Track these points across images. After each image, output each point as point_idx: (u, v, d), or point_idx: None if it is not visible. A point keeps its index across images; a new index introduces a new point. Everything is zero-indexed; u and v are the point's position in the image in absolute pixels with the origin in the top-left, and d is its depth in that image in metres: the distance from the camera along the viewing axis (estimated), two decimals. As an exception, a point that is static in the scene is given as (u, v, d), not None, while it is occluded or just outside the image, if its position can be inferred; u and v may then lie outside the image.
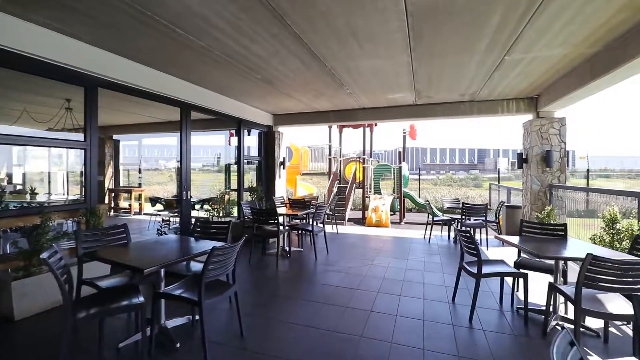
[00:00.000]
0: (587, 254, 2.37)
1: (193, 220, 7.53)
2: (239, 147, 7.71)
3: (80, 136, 4.24)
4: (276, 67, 5.02)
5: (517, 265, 3.56)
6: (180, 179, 5.87)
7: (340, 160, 12.40)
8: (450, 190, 21.39)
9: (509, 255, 5.75)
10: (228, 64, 4.82)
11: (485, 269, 3.22)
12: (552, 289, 2.87)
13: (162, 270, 2.67)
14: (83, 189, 4.25)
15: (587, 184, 11.88)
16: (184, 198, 5.79)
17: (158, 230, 5.12)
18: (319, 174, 12.14)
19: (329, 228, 8.36)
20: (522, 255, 3.78)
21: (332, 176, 11.20)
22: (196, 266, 3.32)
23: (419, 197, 14.35)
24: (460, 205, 6.76)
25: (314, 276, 4.63)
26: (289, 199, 7.42)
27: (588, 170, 12.06)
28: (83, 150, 4.18)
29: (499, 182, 14.07)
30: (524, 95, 6.92)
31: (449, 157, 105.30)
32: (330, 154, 11.37)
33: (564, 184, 6.66)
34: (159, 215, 8.16)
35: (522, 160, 7.19)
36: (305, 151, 12.53)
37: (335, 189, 11.12)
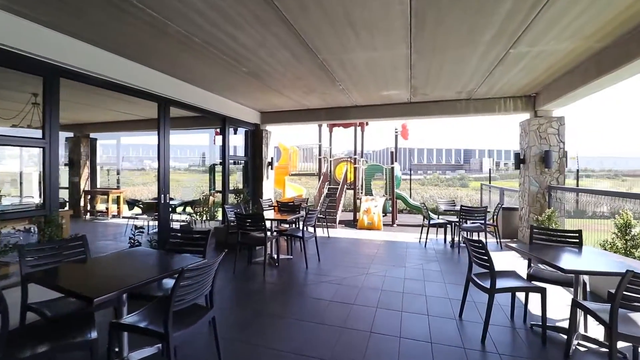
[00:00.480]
0: (627, 270, 2.04)
1: (175, 224, 7.03)
2: (224, 147, 7.23)
3: (38, 133, 3.71)
4: (264, 59, 4.59)
5: (531, 277, 3.24)
6: (158, 180, 5.36)
7: (331, 161, 12.03)
8: (438, 190, 21.24)
9: (511, 260, 5.48)
10: (210, 54, 4.36)
11: (499, 283, 2.88)
12: (576, 306, 2.54)
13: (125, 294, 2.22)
14: (42, 193, 3.72)
15: (577, 185, 11.83)
16: (162, 201, 5.29)
17: (130, 239, 4.60)
18: (308, 174, 11.74)
19: (319, 231, 7.96)
20: (532, 264, 3.47)
21: (322, 177, 10.82)
22: (170, 284, 2.87)
23: (411, 197, 14.11)
24: (458, 208, 6.47)
25: (305, 288, 4.22)
26: (277, 201, 6.99)
27: (578, 171, 11.99)
28: (41, 149, 3.66)
29: (490, 182, 13.96)
30: (522, 94, 6.68)
31: (435, 157, 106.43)
32: (320, 154, 10.98)
33: (563, 185, 6.45)
34: (138, 219, 7.60)
35: (519, 160, 6.96)
36: (294, 151, 12.11)
37: (325, 190, 10.73)
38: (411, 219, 11.53)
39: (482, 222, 6.02)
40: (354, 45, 4.09)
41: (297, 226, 5.82)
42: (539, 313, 2.86)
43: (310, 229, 5.52)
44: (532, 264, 3.46)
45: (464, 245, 6.34)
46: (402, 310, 3.50)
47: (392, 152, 10.03)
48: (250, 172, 8.44)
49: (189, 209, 7.85)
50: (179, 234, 3.15)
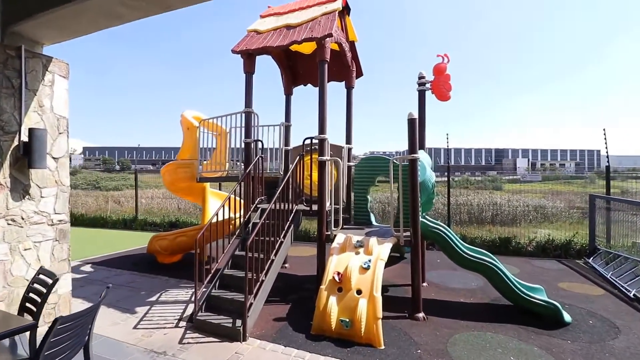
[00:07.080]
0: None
1: None
2: None
3: None
4: None
5: None
6: None
7: (288, 151, 5.95)
8: (474, 194, 14.48)
9: None
10: None
11: None
12: None
13: None
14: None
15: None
16: None
17: None
18: (228, 179, 5.65)
19: None
20: None
21: (244, 182, 4.69)
22: None
23: (451, 224, 7.63)
24: None
25: None
26: None
27: None
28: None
29: (608, 192, 7.19)
30: None
31: (464, 158, 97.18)
32: (248, 135, 4.92)
33: None
34: None
35: None
36: (219, 132, 6.15)
37: (255, 216, 4.71)
38: (454, 276, 5.28)
39: None
40: None
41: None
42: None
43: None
44: None
45: None
46: None
47: (411, 121, 3.74)
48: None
49: None
50: None
